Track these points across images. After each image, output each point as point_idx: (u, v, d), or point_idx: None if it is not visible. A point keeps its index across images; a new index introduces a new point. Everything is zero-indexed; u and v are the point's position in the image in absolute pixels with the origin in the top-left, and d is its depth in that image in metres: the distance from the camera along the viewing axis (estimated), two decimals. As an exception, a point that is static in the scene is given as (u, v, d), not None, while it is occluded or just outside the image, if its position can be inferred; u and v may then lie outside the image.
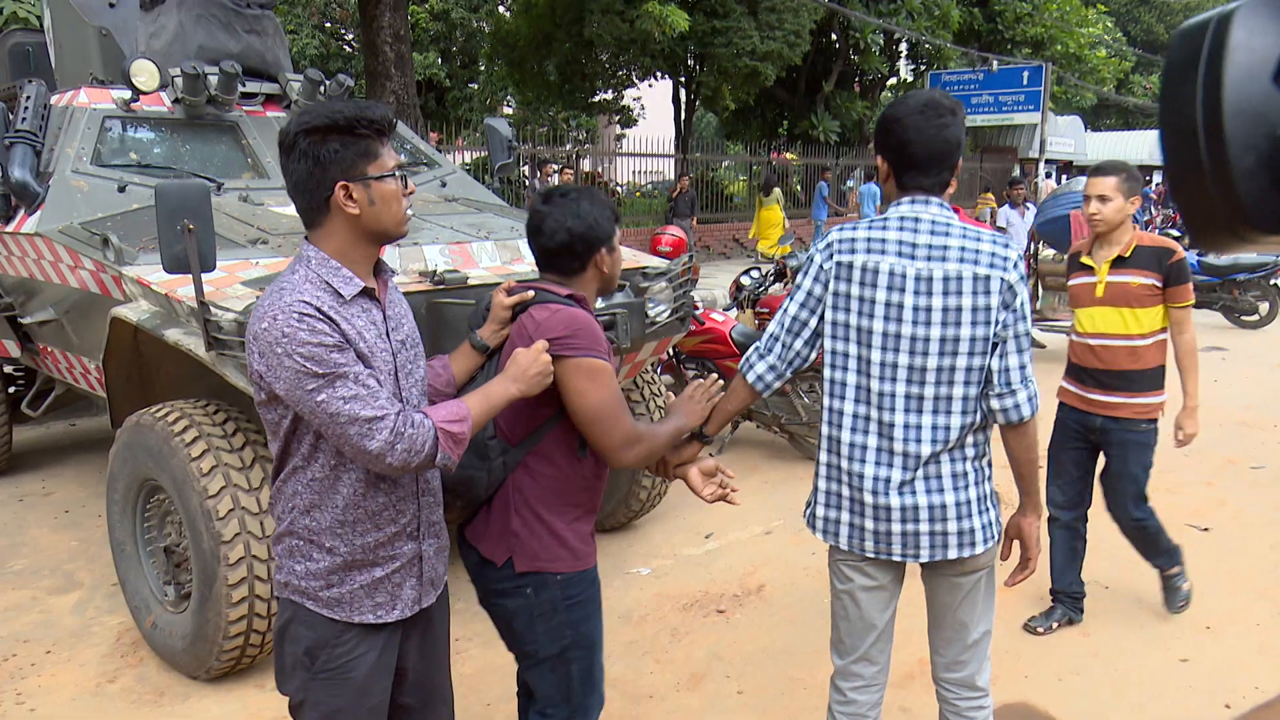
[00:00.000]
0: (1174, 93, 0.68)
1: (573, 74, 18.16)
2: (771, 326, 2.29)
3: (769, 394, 2.35)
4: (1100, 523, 3.65)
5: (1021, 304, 2.11)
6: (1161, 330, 3.55)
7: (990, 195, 10.55)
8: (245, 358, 1.76)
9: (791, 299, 2.25)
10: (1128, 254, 3.51)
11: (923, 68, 22.99)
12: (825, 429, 2.27)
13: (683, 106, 20.07)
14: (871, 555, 2.25)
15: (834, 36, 20.71)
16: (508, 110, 24.11)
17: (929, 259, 2.09)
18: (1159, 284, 3.47)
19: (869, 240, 2.15)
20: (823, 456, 2.28)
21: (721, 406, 2.38)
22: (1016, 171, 21.17)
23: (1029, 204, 10.06)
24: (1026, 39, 22.85)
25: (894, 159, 2.18)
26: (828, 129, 20.56)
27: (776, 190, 14.57)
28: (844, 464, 2.22)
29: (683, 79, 19.42)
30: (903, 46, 22.77)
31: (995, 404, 2.12)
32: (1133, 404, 3.55)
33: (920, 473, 2.14)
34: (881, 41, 20.78)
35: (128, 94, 4.38)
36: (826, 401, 2.25)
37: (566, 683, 2.21)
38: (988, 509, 2.23)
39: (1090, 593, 4.07)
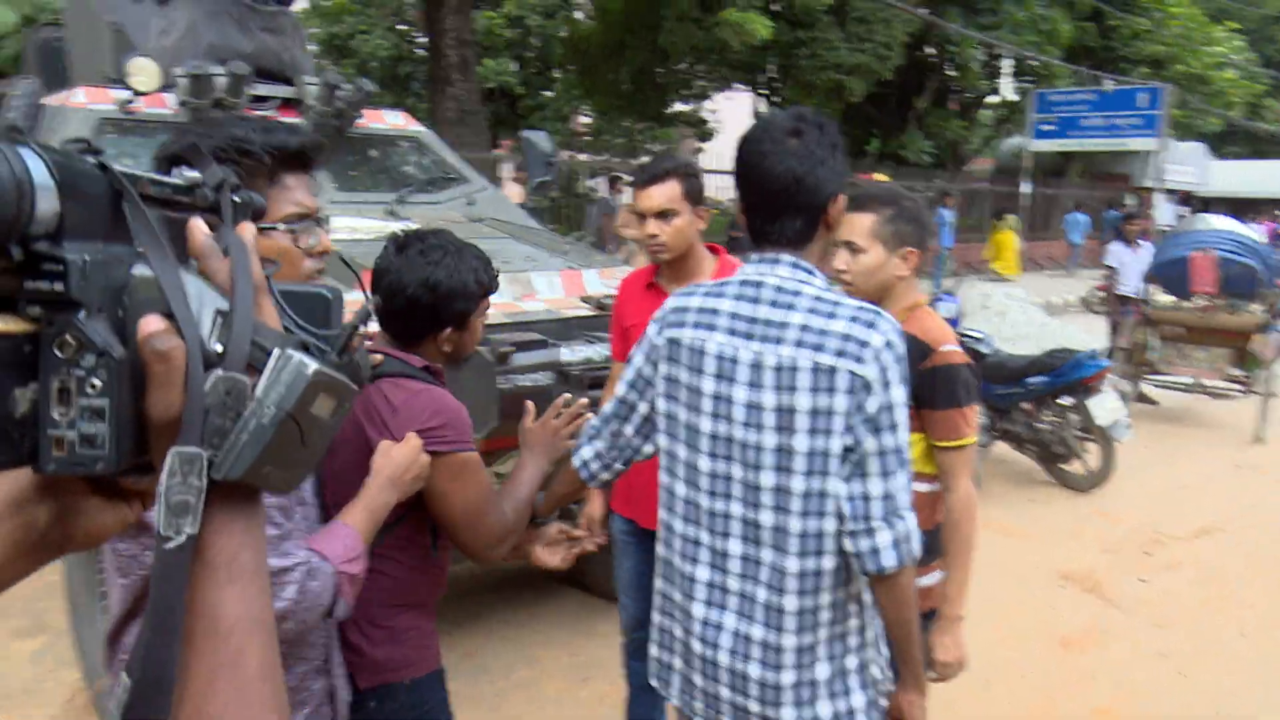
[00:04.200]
0: None
1: (645, 84, 17.63)
2: (607, 404, 1.87)
3: (599, 486, 1.94)
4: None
5: (884, 409, 1.54)
6: (931, 476, 2.28)
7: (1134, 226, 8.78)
8: None
9: (624, 374, 1.82)
10: None
11: (1027, 86, 21.82)
12: (661, 549, 1.80)
13: (764, 121, 19.36)
14: None
15: (929, 50, 19.76)
16: (585, 119, 23.76)
17: (764, 339, 1.59)
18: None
19: (700, 311, 1.68)
20: (658, 583, 1.83)
21: (551, 489, 1.99)
22: (1131, 202, 19.79)
23: (1144, 240, 9.01)
24: (1144, 57, 21.45)
25: (741, 200, 1.68)
26: (920, 149, 19.60)
27: (1011, 217, 16.95)
28: (676, 596, 1.75)
29: (763, 91, 18.72)
30: (1007, 63, 21.66)
31: (848, 544, 1.57)
32: None
33: (759, 631, 1.63)
34: (982, 57, 19.74)
35: (128, 95, 3.99)
36: (662, 515, 1.79)
37: None
38: (850, 690, 1.66)
39: None
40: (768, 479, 1.58)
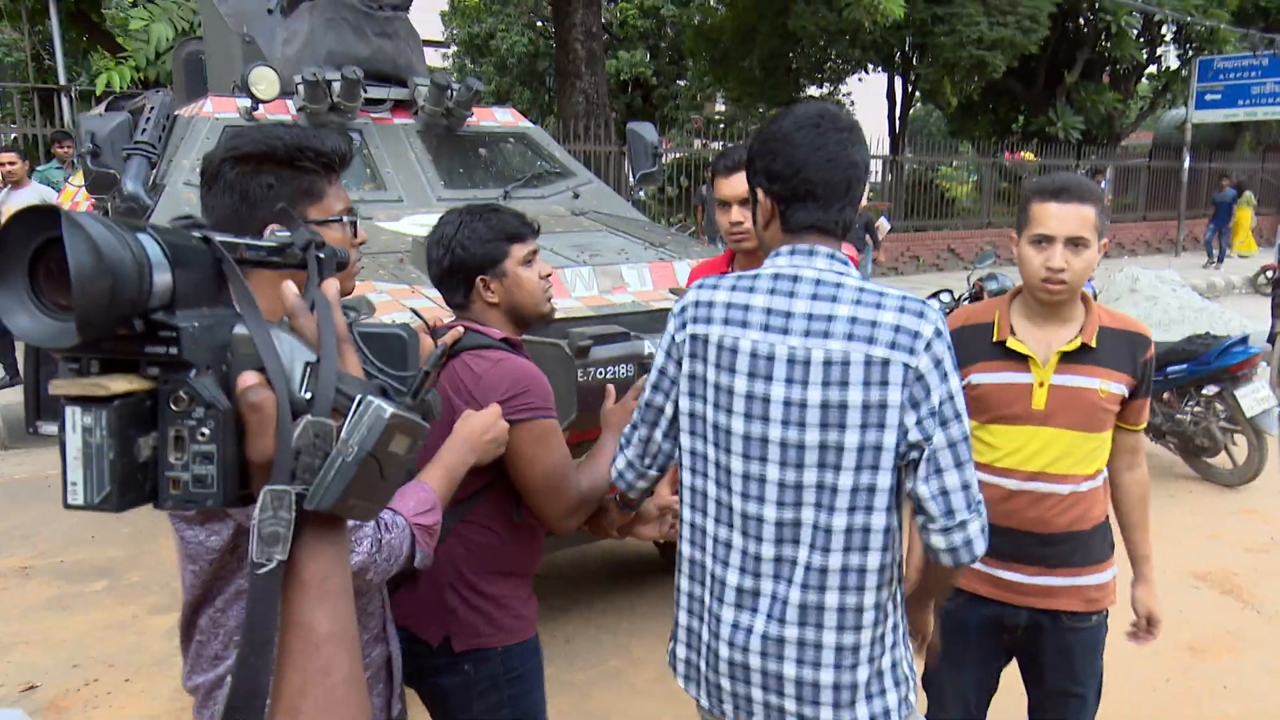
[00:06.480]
0: None
1: (776, 69, 17.39)
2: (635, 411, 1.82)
3: (636, 495, 1.90)
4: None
5: (946, 400, 1.51)
6: (1096, 473, 2.23)
7: None
8: None
9: (648, 377, 1.77)
10: (1093, 342, 2.10)
11: (1190, 53, 20.28)
12: (686, 548, 1.75)
13: (898, 102, 18.76)
14: None
15: (1080, 20, 18.65)
16: (720, 107, 23.63)
17: (807, 334, 1.54)
18: (1127, 392, 2.12)
19: (729, 306, 1.61)
20: (683, 583, 1.77)
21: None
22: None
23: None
24: (1324, 16, 19.64)
25: (783, 189, 1.59)
26: (1069, 125, 18.54)
27: (1248, 193, 17.90)
28: (706, 597, 1.70)
29: (899, 71, 18.15)
30: (1168, 29, 20.20)
31: (939, 541, 1.53)
32: (1080, 587, 2.23)
33: (793, 631, 1.59)
34: (1139, 23, 18.48)
35: (250, 103, 4.26)
36: (685, 514, 1.74)
37: None
38: (885, 690, 1.63)
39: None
40: (810, 476, 1.54)
